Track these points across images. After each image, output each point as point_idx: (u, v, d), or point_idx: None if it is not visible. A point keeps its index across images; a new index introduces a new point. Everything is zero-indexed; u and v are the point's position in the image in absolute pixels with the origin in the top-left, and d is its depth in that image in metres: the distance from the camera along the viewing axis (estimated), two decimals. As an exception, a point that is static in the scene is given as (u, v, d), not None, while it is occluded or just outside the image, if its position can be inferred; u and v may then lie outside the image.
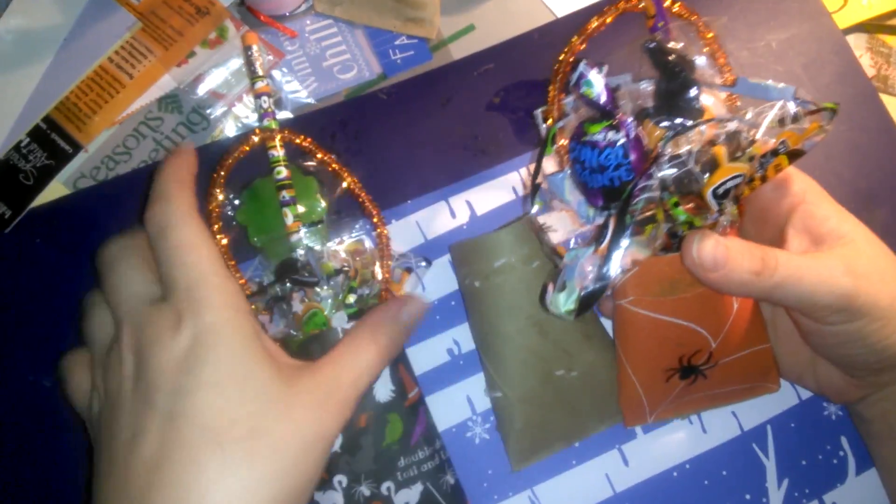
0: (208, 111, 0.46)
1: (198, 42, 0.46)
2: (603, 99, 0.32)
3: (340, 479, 0.35)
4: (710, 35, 0.36)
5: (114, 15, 0.46)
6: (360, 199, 0.42)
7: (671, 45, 0.34)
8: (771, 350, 0.38)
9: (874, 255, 0.34)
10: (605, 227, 0.33)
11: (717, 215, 0.33)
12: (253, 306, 0.39)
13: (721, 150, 0.32)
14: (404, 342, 0.34)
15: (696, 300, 0.35)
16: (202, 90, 0.46)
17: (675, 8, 0.38)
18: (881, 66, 0.51)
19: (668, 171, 0.32)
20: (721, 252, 0.31)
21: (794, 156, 0.32)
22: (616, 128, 0.32)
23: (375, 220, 0.42)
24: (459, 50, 0.47)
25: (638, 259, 0.34)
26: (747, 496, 0.40)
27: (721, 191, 0.32)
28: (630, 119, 0.32)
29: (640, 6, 0.37)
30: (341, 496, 0.35)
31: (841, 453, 0.41)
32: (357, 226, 0.41)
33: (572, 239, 0.36)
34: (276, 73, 0.46)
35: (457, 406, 0.41)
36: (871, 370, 0.35)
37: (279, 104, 0.46)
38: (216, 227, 0.40)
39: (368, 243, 0.41)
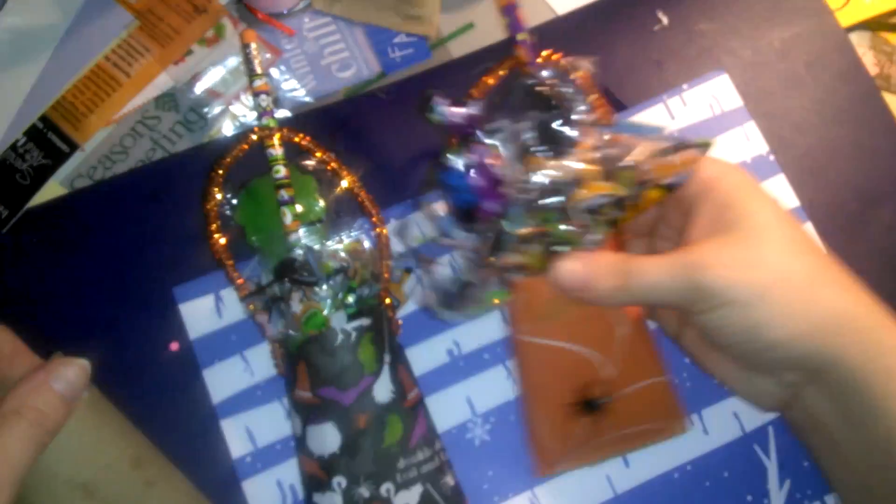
0: (206, 110, 0.45)
1: (195, 40, 0.46)
2: (453, 124, 0.35)
3: (339, 481, 0.35)
4: (580, 73, 0.38)
5: (111, 13, 0.46)
6: (360, 199, 0.42)
7: (540, 81, 0.37)
8: (669, 385, 0.38)
9: (764, 242, 0.33)
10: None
11: (585, 230, 0.34)
12: (251, 306, 0.39)
13: (587, 170, 0.34)
14: (68, 413, 0.30)
15: (580, 323, 0.36)
16: (199, 89, 0.46)
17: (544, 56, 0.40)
18: (884, 65, 0.51)
19: (530, 195, 0.34)
20: (581, 273, 0.34)
21: (670, 188, 0.35)
22: (467, 152, 0.35)
23: (374, 219, 0.41)
24: (459, 48, 0.47)
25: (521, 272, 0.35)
26: (749, 497, 0.40)
27: (586, 207, 0.34)
28: (482, 146, 0.34)
29: (522, 61, 0.38)
30: (340, 498, 0.35)
31: (843, 454, 0.41)
32: (356, 225, 0.41)
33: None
34: (274, 72, 0.46)
35: (457, 407, 0.41)
36: (766, 367, 0.35)
37: (277, 103, 0.46)
38: (214, 226, 0.40)
39: (368, 243, 0.41)
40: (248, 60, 0.41)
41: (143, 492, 0.34)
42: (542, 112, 0.36)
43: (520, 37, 0.37)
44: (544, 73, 0.37)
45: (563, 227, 0.34)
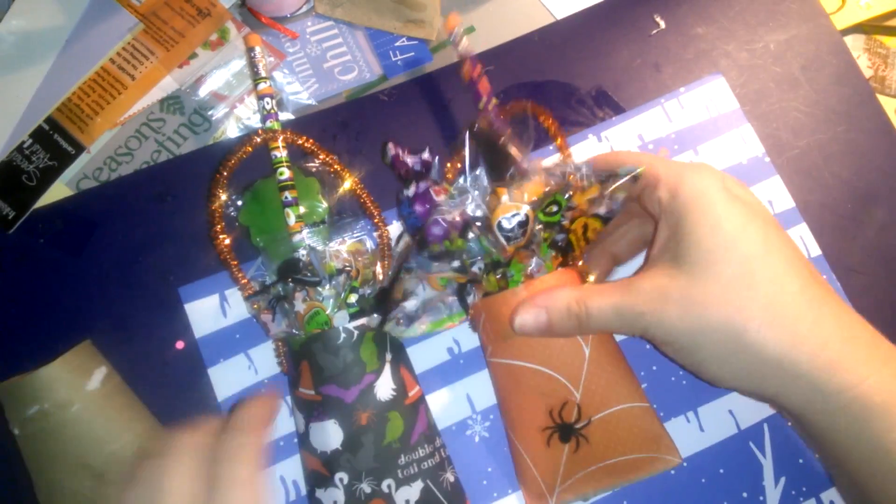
0: (210, 112, 0.46)
1: (199, 43, 0.46)
2: (406, 170, 0.41)
3: (342, 477, 0.36)
4: (548, 120, 0.43)
5: (115, 16, 0.46)
6: (362, 200, 0.42)
7: (497, 133, 0.41)
8: (651, 411, 0.37)
9: (707, 280, 0.32)
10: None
11: (530, 255, 0.38)
12: (255, 305, 0.39)
13: (503, 191, 0.38)
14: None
15: (539, 340, 0.37)
16: (204, 91, 0.46)
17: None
18: (878, 67, 0.52)
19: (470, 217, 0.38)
20: (537, 324, 0.35)
21: (603, 218, 0.38)
22: (413, 186, 0.40)
23: (377, 220, 0.42)
24: (459, 51, 0.48)
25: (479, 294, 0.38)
26: (744, 494, 0.40)
27: (505, 225, 0.37)
28: (426, 181, 0.40)
29: (488, 122, 0.42)
30: (342, 493, 0.36)
31: (837, 451, 0.41)
32: (358, 226, 0.42)
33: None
34: (277, 75, 0.47)
35: (457, 404, 0.41)
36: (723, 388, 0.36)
37: (281, 105, 0.46)
38: (219, 227, 0.40)
39: (370, 243, 0.41)
40: (252, 64, 0.42)
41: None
42: (493, 157, 0.41)
43: (480, 105, 0.42)
44: (503, 127, 0.41)
45: (492, 249, 0.37)
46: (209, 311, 0.42)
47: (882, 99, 0.48)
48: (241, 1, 0.47)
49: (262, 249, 0.40)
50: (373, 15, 0.47)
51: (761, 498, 0.40)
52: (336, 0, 0.47)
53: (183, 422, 0.40)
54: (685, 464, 0.41)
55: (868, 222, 0.45)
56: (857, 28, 0.52)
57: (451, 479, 0.38)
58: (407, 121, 0.45)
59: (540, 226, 0.38)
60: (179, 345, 0.41)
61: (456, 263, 0.38)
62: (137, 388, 0.40)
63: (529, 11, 0.48)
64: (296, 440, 0.40)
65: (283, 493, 0.40)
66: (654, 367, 0.42)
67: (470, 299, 0.39)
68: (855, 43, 0.52)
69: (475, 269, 0.38)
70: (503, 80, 0.46)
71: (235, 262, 0.40)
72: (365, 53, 0.47)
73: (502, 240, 0.37)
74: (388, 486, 0.36)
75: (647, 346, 0.42)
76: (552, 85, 0.47)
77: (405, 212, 0.40)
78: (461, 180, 0.40)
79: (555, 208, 0.38)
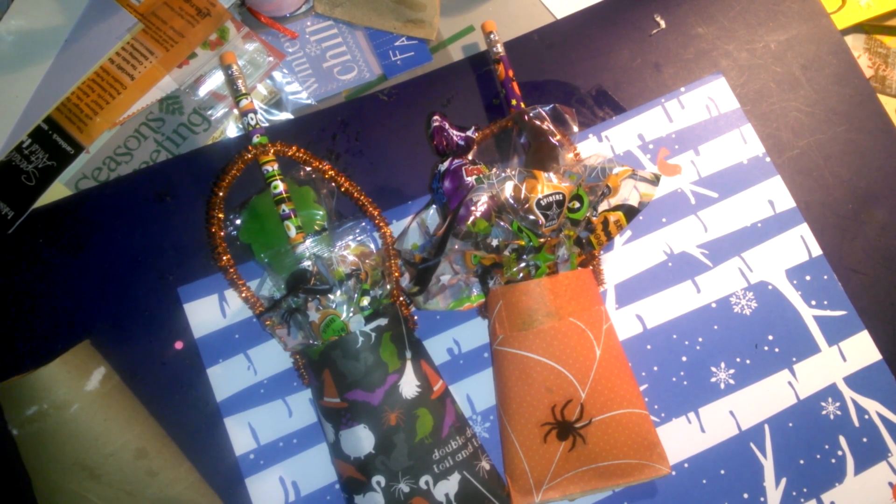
0: (209, 112, 0.46)
1: (199, 43, 0.46)
2: (446, 143, 0.41)
3: (378, 480, 0.35)
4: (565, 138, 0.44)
5: (115, 16, 0.46)
6: (360, 202, 0.42)
7: (532, 118, 0.42)
8: (649, 419, 0.38)
9: None
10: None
11: (556, 247, 0.39)
12: (268, 322, 0.39)
13: (539, 174, 0.38)
14: None
15: (555, 335, 0.37)
16: (203, 91, 0.46)
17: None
18: (879, 67, 0.52)
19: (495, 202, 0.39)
20: None
21: (630, 213, 0.39)
22: (448, 161, 0.41)
23: (377, 220, 0.42)
24: (459, 51, 0.48)
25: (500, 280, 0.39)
26: (745, 495, 0.40)
27: (544, 203, 0.38)
28: (461, 159, 0.41)
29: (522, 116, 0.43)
30: (381, 496, 0.35)
31: (839, 453, 0.41)
32: (359, 228, 0.41)
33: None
34: (276, 75, 0.47)
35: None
36: None
37: (280, 105, 0.46)
38: (221, 248, 0.40)
39: (373, 244, 0.41)
40: (231, 81, 0.42)
41: (146, 480, 0.37)
42: (530, 135, 0.42)
43: (514, 102, 0.44)
44: (538, 122, 0.42)
45: (527, 234, 0.38)
46: (208, 311, 0.41)
47: (882, 98, 0.48)
48: (241, 1, 0.47)
49: (267, 265, 0.40)
50: (372, 15, 0.47)
51: (762, 499, 0.40)
52: (335, 0, 0.47)
53: (180, 422, 0.40)
54: (686, 465, 0.40)
55: (869, 222, 0.45)
56: (858, 28, 0.52)
57: (487, 466, 0.38)
58: (406, 121, 0.45)
59: (566, 221, 0.38)
60: (178, 345, 0.41)
61: (495, 242, 0.38)
62: (136, 388, 0.40)
63: (529, 11, 0.48)
64: (295, 441, 0.40)
65: (283, 494, 0.39)
66: (656, 368, 0.42)
67: (491, 284, 0.39)
68: (855, 43, 0.52)
69: (506, 252, 0.38)
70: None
71: (243, 282, 0.40)
72: (364, 53, 0.47)
73: (541, 217, 0.37)
74: (426, 483, 0.36)
75: (648, 347, 0.42)
76: (552, 85, 0.47)
77: (435, 185, 0.41)
78: (495, 169, 0.39)
79: (577, 204, 0.38)
